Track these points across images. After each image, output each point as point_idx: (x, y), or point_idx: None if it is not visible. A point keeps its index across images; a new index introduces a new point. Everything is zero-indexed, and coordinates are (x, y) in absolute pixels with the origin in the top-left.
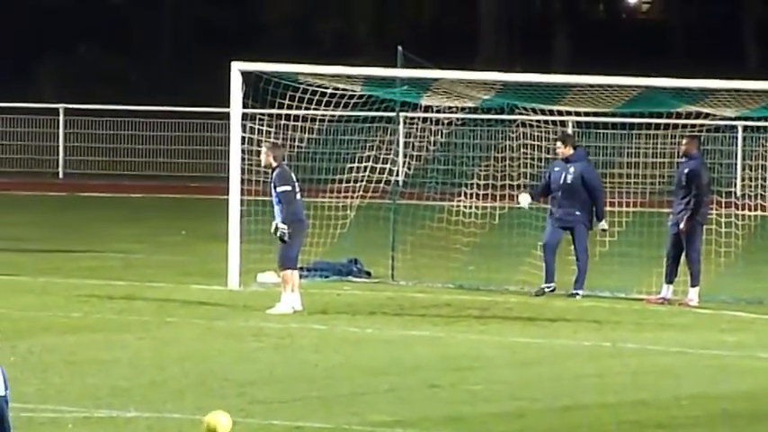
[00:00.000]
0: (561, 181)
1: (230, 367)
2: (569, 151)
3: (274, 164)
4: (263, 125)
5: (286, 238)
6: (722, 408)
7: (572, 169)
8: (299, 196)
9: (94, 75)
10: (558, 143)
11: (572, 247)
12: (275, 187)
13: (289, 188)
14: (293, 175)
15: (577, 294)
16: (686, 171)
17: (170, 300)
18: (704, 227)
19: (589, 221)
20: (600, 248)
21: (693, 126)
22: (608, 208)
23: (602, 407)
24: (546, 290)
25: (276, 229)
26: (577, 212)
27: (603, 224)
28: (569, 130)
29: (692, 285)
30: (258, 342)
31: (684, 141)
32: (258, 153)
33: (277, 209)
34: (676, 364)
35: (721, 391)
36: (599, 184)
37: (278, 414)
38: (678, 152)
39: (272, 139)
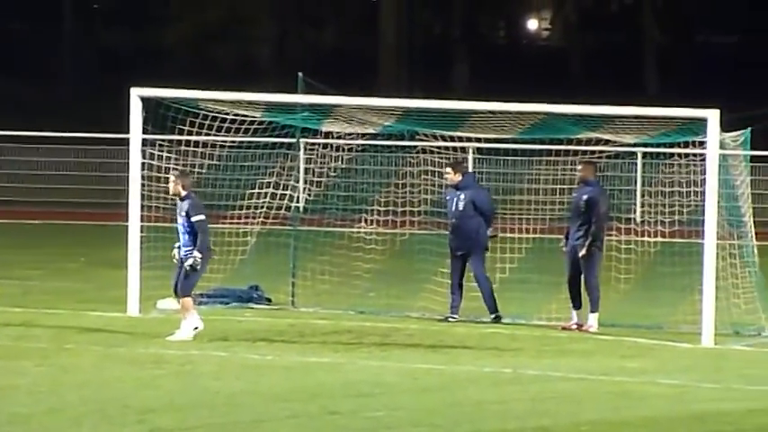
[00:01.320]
0: (454, 208)
1: (130, 394)
2: (458, 178)
3: (183, 192)
4: (162, 151)
5: (198, 268)
6: None
7: (462, 196)
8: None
9: None
10: (448, 169)
11: (472, 273)
12: (188, 216)
13: (203, 217)
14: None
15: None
16: (585, 198)
17: (68, 327)
18: (602, 253)
19: (485, 245)
20: (500, 275)
21: (593, 152)
22: (508, 234)
23: None
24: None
25: (187, 257)
26: (473, 236)
27: (490, 230)
28: (468, 156)
29: (592, 311)
30: (158, 369)
31: (580, 168)
32: (158, 179)
33: (186, 238)
34: (577, 391)
35: (622, 417)
36: (490, 207)
37: None
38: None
39: (179, 168)
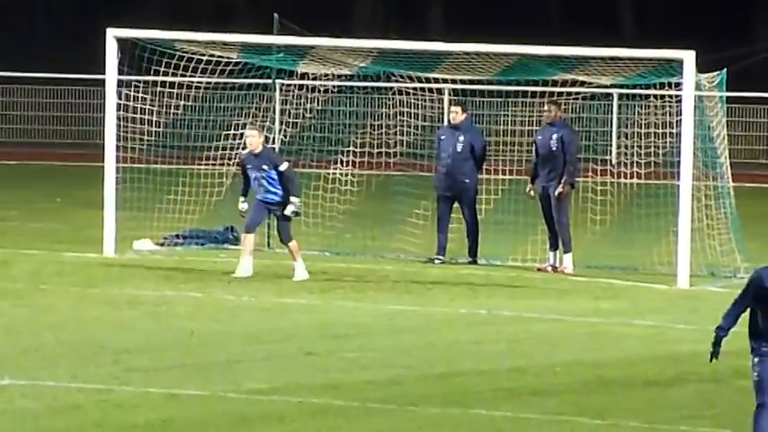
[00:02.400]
0: (451, 149)
1: (105, 335)
2: (463, 117)
3: (260, 148)
4: (138, 92)
5: (301, 212)
6: (597, 374)
7: (462, 137)
8: None
9: None
10: (457, 108)
11: (461, 215)
12: (275, 167)
13: (288, 163)
14: None
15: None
16: (556, 137)
17: (44, 267)
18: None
19: (476, 188)
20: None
21: (569, 94)
22: (484, 176)
23: (478, 374)
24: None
25: (289, 205)
26: (467, 180)
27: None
28: (444, 98)
29: (565, 252)
30: (134, 310)
31: (551, 108)
32: (134, 120)
33: (271, 187)
34: (551, 332)
35: (596, 358)
36: (485, 153)
37: (153, 381)
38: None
39: (256, 122)
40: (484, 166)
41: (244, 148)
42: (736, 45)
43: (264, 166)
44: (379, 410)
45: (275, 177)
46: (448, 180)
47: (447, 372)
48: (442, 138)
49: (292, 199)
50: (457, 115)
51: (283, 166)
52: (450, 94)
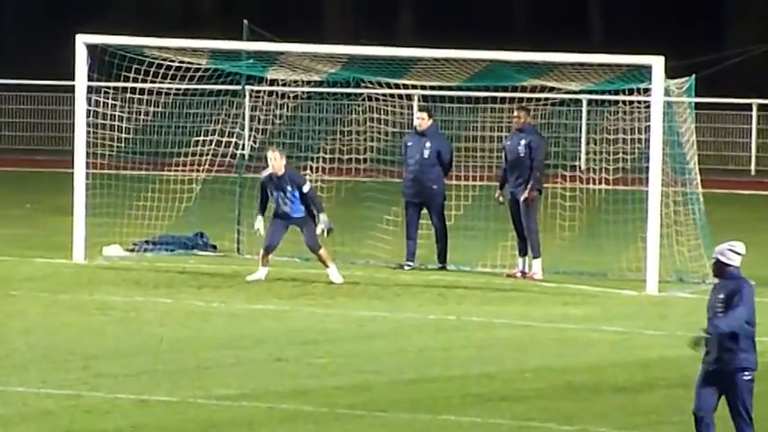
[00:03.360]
0: (418, 155)
1: (75, 340)
2: (428, 124)
3: (283, 170)
4: (108, 98)
5: (332, 228)
6: (566, 380)
7: (428, 144)
8: None
9: None
10: (423, 114)
11: (429, 221)
12: (299, 187)
13: (310, 183)
14: None
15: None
16: (524, 143)
17: (14, 273)
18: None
19: (444, 194)
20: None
21: (538, 100)
22: (453, 182)
23: (448, 380)
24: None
25: (319, 223)
26: (434, 186)
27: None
28: (414, 104)
29: (534, 257)
30: (103, 315)
31: (520, 114)
32: (103, 127)
33: (295, 206)
34: (521, 338)
35: (565, 364)
36: (451, 159)
37: (123, 387)
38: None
39: (275, 143)
40: (453, 173)
41: (215, 155)
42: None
43: (288, 187)
44: (349, 416)
45: (297, 196)
46: (415, 186)
47: (416, 377)
48: (409, 144)
49: (322, 217)
50: (423, 121)
51: (306, 187)
52: (419, 100)
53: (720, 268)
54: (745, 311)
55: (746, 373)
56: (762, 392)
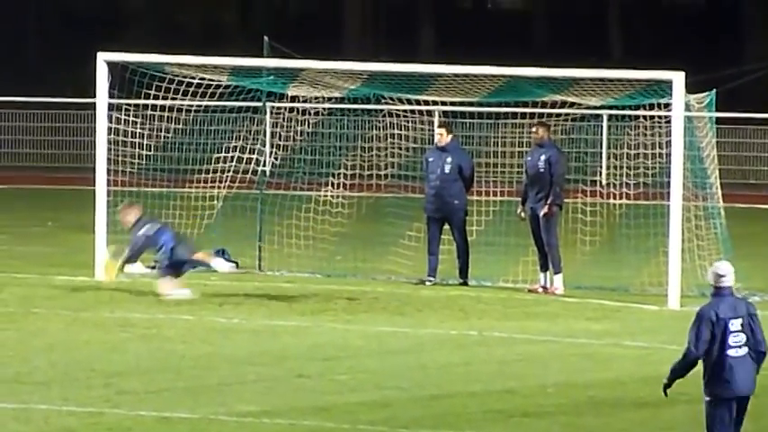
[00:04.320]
0: (439, 171)
1: (97, 358)
2: (448, 139)
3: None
4: (129, 115)
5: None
6: (588, 395)
7: (449, 159)
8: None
9: None
10: (442, 130)
11: (451, 237)
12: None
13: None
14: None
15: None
16: (544, 158)
17: (36, 291)
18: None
19: (465, 209)
20: (468, 237)
21: (558, 115)
22: (475, 197)
23: (469, 396)
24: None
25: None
26: (456, 201)
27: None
28: (435, 120)
29: (555, 273)
30: (125, 333)
31: (536, 129)
32: (125, 144)
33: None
34: (542, 353)
35: (587, 379)
36: (473, 174)
37: (145, 405)
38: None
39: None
40: (474, 188)
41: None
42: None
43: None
44: None
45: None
46: (437, 202)
47: (438, 393)
48: (430, 160)
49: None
50: (442, 137)
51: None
52: (440, 116)
53: (713, 293)
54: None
55: None
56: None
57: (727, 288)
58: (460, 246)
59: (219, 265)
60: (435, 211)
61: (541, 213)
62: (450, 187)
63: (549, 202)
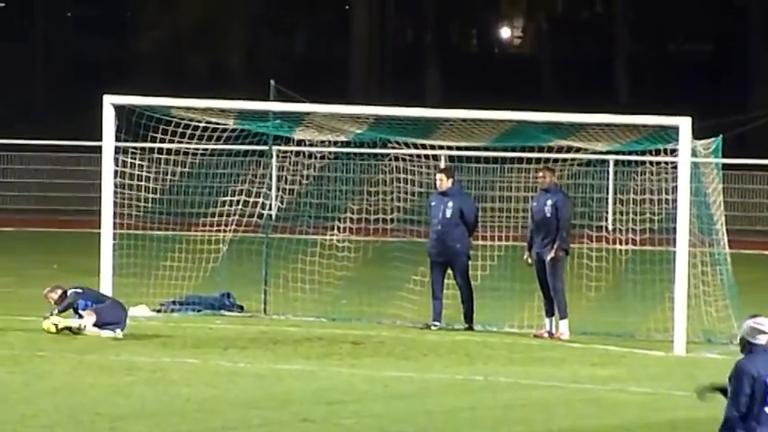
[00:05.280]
0: (441, 215)
1: (102, 401)
2: (449, 184)
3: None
4: (135, 158)
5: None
6: None
7: (450, 203)
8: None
9: None
10: (441, 175)
11: (454, 281)
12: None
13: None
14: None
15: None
16: (550, 203)
17: (41, 333)
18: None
19: (468, 253)
20: (472, 282)
21: (564, 160)
22: (480, 242)
23: None
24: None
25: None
26: (458, 245)
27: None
28: (441, 164)
29: (561, 318)
30: (130, 376)
31: (545, 174)
32: (130, 187)
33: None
34: (548, 398)
35: (592, 425)
36: (476, 217)
37: None
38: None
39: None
40: (479, 233)
41: (241, 216)
42: (732, 112)
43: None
44: None
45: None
46: (439, 246)
47: None
48: (432, 204)
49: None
50: (442, 182)
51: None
52: (446, 161)
53: (746, 348)
54: None
55: None
56: None
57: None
58: (464, 290)
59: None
60: (438, 255)
61: (548, 258)
62: (452, 231)
63: (555, 246)
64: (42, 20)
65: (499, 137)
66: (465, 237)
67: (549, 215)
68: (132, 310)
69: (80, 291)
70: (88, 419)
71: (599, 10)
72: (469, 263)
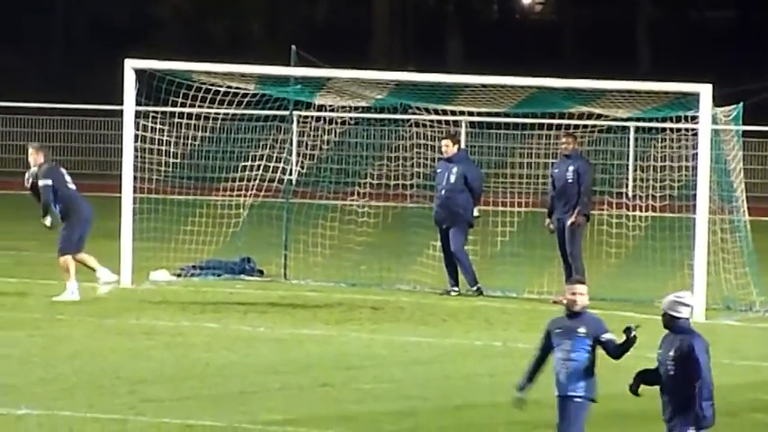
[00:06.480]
0: (444, 181)
1: (121, 365)
2: (455, 150)
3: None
4: (156, 123)
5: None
6: (613, 407)
7: (455, 169)
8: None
9: None
10: (447, 141)
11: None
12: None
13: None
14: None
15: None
16: (572, 169)
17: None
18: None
19: (469, 221)
20: (491, 248)
21: (585, 126)
22: (500, 208)
23: (493, 406)
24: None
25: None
26: (461, 211)
27: (475, 211)
28: (462, 130)
29: None
30: (150, 340)
31: (568, 140)
32: (151, 151)
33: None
34: None
35: (612, 391)
36: (480, 184)
37: (169, 412)
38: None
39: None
40: (499, 199)
41: (262, 181)
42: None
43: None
44: None
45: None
46: (443, 212)
47: (462, 404)
48: (438, 171)
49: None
50: (448, 148)
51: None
52: (466, 126)
53: (669, 322)
54: (707, 372)
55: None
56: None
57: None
58: (459, 256)
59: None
60: (443, 221)
61: (568, 222)
62: (457, 197)
63: (575, 212)
64: None
65: (519, 103)
66: (469, 203)
67: (570, 181)
68: (152, 274)
69: (49, 184)
70: (108, 383)
71: None
72: (469, 230)
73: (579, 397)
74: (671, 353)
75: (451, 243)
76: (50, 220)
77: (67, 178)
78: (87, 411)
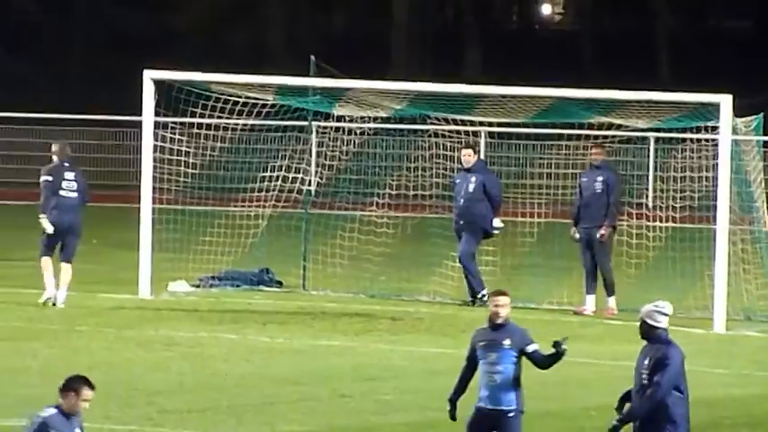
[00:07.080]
0: (463, 191)
1: (139, 376)
2: (475, 159)
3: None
4: (175, 134)
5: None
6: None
7: (473, 178)
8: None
9: (3, 81)
10: (468, 150)
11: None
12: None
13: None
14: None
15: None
16: (601, 180)
17: (80, 308)
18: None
19: (487, 230)
20: (511, 259)
21: (605, 137)
22: (519, 218)
23: None
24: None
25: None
26: (479, 219)
27: (498, 222)
28: (481, 141)
29: (610, 295)
30: (168, 351)
31: (594, 151)
32: (170, 162)
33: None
34: (586, 375)
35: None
36: (499, 193)
37: (187, 423)
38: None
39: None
40: (519, 210)
41: (281, 191)
42: None
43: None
44: None
45: None
46: (462, 221)
47: None
48: (457, 181)
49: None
50: (469, 158)
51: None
52: (486, 137)
53: (647, 331)
54: (670, 382)
55: None
56: None
57: None
58: (465, 263)
59: None
60: (461, 231)
61: (599, 234)
62: (476, 206)
63: (606, 224)
64: None
65: (539, 114)
66: (488, 211)
67: (599, 191)
68: (171, 285)
69: (50, 180)
70: (126, 394)
71: None
72: (481, 239)
73: (512, 411)
74: (646, 361)
75: (460, 247)
76: (46, 222)
77: (65, 184)
78: (105, 422)
